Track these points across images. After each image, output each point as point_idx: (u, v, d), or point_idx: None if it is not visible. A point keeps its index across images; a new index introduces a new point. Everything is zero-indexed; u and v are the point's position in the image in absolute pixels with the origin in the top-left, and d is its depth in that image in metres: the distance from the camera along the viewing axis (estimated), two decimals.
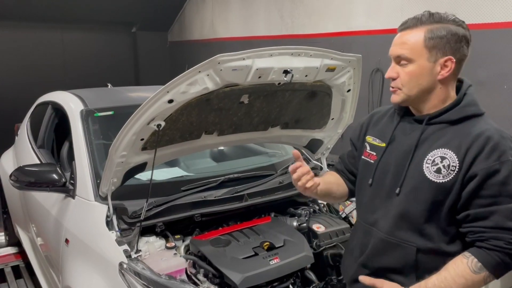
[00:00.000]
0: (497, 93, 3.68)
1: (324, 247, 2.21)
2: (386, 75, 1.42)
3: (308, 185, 1.51)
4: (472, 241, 1.30)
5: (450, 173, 1.30)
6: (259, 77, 1.88)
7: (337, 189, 1.72)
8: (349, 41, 5.08)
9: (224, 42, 7.56)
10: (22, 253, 3.79)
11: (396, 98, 1.42)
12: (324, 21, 5.54)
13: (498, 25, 3.71)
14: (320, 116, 2.42)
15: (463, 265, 1.27)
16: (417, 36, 1.34)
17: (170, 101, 1.80)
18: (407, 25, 1.37)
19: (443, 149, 1.33)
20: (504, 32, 3.68)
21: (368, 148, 1.55)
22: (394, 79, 1.40)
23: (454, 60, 1.33)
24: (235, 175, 2.50)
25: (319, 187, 1.56)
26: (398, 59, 1.38)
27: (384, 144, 1.49)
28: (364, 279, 1.45)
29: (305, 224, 2.31)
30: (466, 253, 1.29)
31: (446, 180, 1.31)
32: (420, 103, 1.40)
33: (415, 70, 1.35)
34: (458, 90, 1.41)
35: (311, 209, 2.51)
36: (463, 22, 1.36)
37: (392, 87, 1.42)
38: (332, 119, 2.45)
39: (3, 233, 4.22)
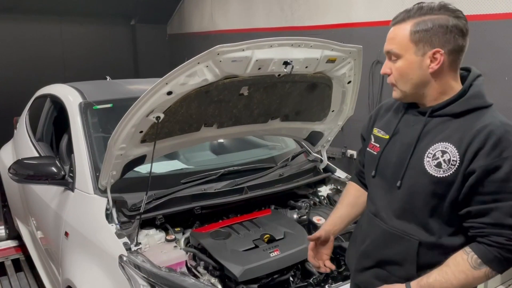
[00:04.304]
0: (498, 84, 3.66)
1: None
2: (381, 71, 1.40)
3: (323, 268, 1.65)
4: (474, 236, 1.29)
5: (451, 168, 1.28)
6: (259, 68, 1.87)
7: (356, 210, 1.68)
8: (349, 32, 5.04)
9: (223, 34, 7.51)
10: (22, 247, 3.79)
11: (394, 94, 1.41)
12: (324, 13, 5.50)
13: (499, 16, 3.69)
14: (320, 108, 2.41)
15: (463, 261, 1.26)
16: (404, 30, 1.32)
17: (169, 93, 1.78)
18: (397, 20, 1.35)
19: (444, 143, 1.30)
20: (505, 23, 3.65)
21: (372, 140, 1.54)
22: (389, 75, 1.39)
23: (443, 52, 1.29)
24: (235, 168, 2.49)
25: (336, 232, 1.66)
26: (389, 55, 1.37)
27: (387, 136, 1.48)
28: None
29: (305, 217, 2.31)
30: (467, 249, 1.28)
31: (446, 174, 1.28)
32: (419, 98, 1.38)
33: (404, 65, 1.33)
34: (464, 80, 1.38)
35: (311, 202, 2.51)
36: (457, 10, 1.31)
37: (391, 83, 1.41)
38: (333, 111, 2.44)
39: (3, 227, 4.22)
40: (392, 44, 1.34)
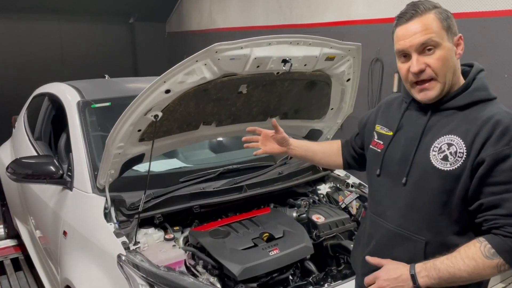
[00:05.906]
0: (498, 82, 3.65)
1: (323, 238, 2.20)
2: (416, 69, 1.28)
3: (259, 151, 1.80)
4: (488, 229, 1.25)
5: (458, 160, 1.25)
6: (258, 66, 1.86)
7: (320, 157, 1.82)
8: (348, 30, 5.03)
9: (222, 32, 7.50)
10: (21, 246, 3.79)
11: (432, 92, 1.31)
12: (323, 11, 5.48)
13: (499, 13, 3.67)
14: (319, 106, 2.40)
15: (475, 248, 1.22)
16: (433, 20, 1.29)
17: (167, 91, 1.77)
18: (413, 14, 1.30)
19: (450, 135, 1.28)
20: (505, 20, 3.64)
21: (376, 137, 1.52)
22: (422, 72, 1.29)
23: (462, 37, 1.32)
24: (234, 166, 2.49)
25: (293, 152, 1.78)
26: (423, 47, 1.28)
27: (391, 133, 1.45)
28: (369, 259, 1.40)
29: (304, 215, 2.30)
30: (481, 238, 1.24)
31: (453, 167, 1.26)
32: (449, 89, 1.33)
33: (445, 53, 1.29)
34: (466, 75, 1.37)
35: (311, 200, 2.50)
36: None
37: (423, 81, 1.30)
38: (332, 109, 2.43)
39: (2, 226, 4.21)
40: (430, 34, 1.27)
